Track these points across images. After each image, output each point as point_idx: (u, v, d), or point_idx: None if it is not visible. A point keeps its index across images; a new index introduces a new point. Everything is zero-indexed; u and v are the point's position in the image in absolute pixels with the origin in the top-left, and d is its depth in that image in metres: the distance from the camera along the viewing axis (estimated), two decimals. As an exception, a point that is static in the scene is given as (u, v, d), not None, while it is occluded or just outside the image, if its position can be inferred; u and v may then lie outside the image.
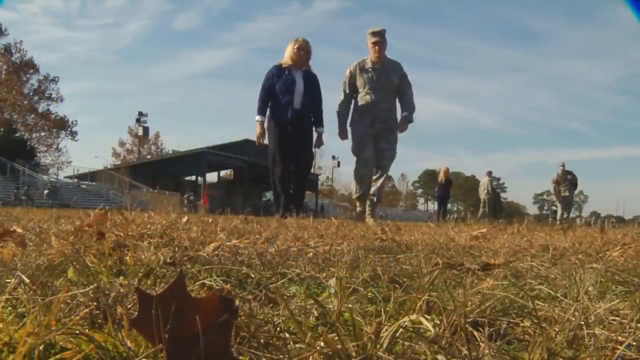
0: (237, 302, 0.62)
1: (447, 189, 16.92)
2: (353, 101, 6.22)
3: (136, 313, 0.60)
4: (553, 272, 1.36)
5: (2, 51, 40.24)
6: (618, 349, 0.69)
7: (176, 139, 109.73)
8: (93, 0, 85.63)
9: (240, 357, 0.64)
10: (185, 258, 1.39)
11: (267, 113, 6.07)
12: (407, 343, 0.68)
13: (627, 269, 1.48)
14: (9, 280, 0.92)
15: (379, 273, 1.26)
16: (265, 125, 6.09)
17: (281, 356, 0.64)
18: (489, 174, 17.33)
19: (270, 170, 6.13)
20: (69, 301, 0.79)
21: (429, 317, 0.76)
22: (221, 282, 1.05)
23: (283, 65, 6.05)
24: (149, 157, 51.34)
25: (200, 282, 1.03)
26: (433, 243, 2.28)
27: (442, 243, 2.27)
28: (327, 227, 3.18)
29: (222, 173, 50.56)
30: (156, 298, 0.59)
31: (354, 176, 6.18)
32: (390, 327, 0.68)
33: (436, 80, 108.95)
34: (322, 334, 0.64)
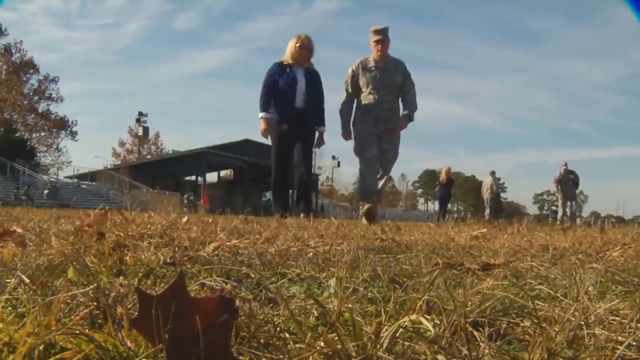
0: (237, 302, 0.62)
1: (449, 189, 16.91)
2: (355, 100, 6.10)
3: (136, 313, 0.60)
4: (553, 272, 1.35)
5: (2, 51, 40.27)
6: (618, 349, 0.69)
7: (176, 139, 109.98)
8: (93, 0, 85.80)
9: (240, 357, 0.64)
10: (185, 258, 1.39)
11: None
12: (407, 343, 0.68)
13: (627, 269, 1.48)
14: (9, 280, 0.92)
15: (379, 273, 1.26)
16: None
17: (281, 356, 0.64)
18: (492, 173, 17.30)
19: (272, 170, 6.06)
20: (69, 301, 0.79)
21: (429, 317, 0.76)
22: (221, 282, 1.05)
23: (284, 63, 5.93)
24: (149, 157, 51.35)
25: (200, 282, 1.03)
26: (433, 243, 2.28)
27: (442, 243, 2.26)
28: (327, 227, 3.18)
29: (222, 173, 50.60)
30: (156, 298, 0.59)
31: (359, 177, 6.06)
32: (390, 327, 0.68)
33: (436, 80, 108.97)
34: (322, 334, 0.63)
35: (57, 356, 0.62)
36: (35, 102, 42.34)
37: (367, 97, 5.95)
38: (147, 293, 0.60)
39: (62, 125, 42.99)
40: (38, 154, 41.71)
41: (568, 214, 14.81)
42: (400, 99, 6.08)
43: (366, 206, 5.77)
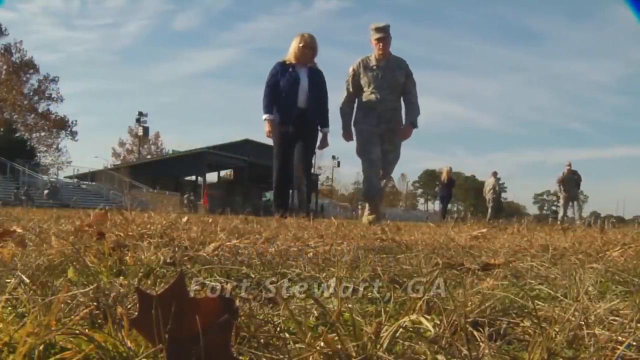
0: (237, 302, 0.62)
1: (450, 189, 16.92)
2: (357, 100, 5.97)
3: (136, 313, 0.60)
4: (553, 272, 1.35)
5: (2, 51, 40.28)
6: (618, 349, 0.69)
7: (176, 139, 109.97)
8: (93, 0, 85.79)
9: (240, 357, 0.64)
10: (185, 258, 1.39)
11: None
12: (407, 343, 0.68)
13: (627, 269, 1.48)
14: (9, 280, 0.92)
15: (379, 273, 1.26)
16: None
17: (281, 356, 0.64)
18: (495, 174, 17.32)
19: (273, 170, 6.03)
20: (69, 301, 0.79)
21: (429, 317, 0.76)
22: (221, 282, 1.05)
23: (287, 62, 5.84)
24: (149, 157, 51.35)
25: (200, 282, 1.03)
26: (433, 243, 2.28)
27: (442, 243, 2.26)
28: (327, 227, 3.18)
29: (222, 173, 50.61)
30: (156, 298, 0.59)
31: (364, 178, 5.94)
32: (390, 327, 0.68)
33: (436, 80, 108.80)
34: (322, 334, 0.63)
35: (57, 356, 0.62)
36: (35, 102, 42.37)
37: (368, 96, 5.82)
38: (147, 293, 0.60)
39: (62, 125, 43.00)
40: (38, 154, 41.75)
41: (569, 215, 14.81)
42: (402, 99, 5.94)
43: (372, 216, 5.69)
